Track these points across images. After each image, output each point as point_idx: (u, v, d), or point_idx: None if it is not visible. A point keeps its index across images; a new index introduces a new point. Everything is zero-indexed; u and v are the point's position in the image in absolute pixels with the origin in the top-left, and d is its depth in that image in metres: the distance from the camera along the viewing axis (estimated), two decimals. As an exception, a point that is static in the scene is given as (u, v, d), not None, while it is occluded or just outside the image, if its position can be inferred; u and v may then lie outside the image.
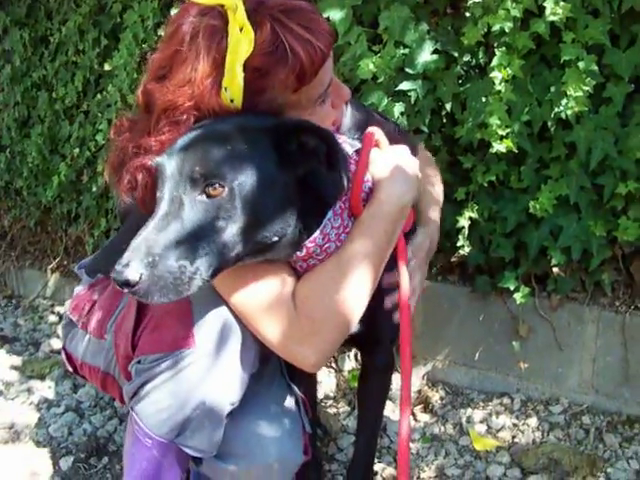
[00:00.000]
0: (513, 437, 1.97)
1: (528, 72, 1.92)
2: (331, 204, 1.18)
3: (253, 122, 1.13)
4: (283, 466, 1.31)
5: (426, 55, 2.00)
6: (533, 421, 2.01)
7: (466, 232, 2.08)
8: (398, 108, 2.04)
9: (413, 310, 1.33)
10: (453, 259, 2.18)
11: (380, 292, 1.24)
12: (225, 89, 1.12)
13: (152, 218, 1.04)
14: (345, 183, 1.15)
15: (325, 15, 2.00)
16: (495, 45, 1.92)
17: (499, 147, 1.90)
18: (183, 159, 1.06)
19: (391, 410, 2.07)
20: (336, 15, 2.04)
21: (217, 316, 1.20)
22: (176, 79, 1.13)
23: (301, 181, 1.13)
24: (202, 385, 1.19)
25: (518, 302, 2.00)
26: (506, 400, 2.12)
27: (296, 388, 1.42)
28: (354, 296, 1.18)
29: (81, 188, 3.39)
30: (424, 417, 2.12)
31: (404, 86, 2.03)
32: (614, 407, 1.98)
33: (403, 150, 1.31)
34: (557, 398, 2.06)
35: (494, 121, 1.88)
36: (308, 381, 1.73)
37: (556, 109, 1.87)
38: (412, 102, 2.04)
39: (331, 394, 2.28)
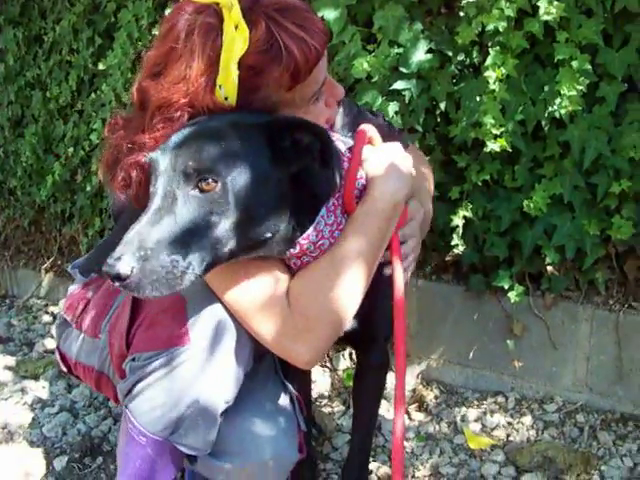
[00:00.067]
0: (507, 435, 1.98)
1: (522, 71, 1.93)
2: (324, 201, 1.18)
3: (247, 119, 1.13)
4: (278, 464, 1.31)
5: (420, 54, 2.00)
6: (527, 419, 2.01)
7: (460, 231, 2.08)
8: (392, 107, 2.04)
9: (407, 280, 1.33)
10: (447, 258, 2.18)
11: (374, 289, 1.24)
12: (219, 87, 1.12)
13: (145, 212, 1.04)
14: (338, 180, 1.16)
15: (320, 14, 2.00)
16: (489, 44, 1.93)
17: (493, 146, 1.91)
18: (177, 155, 1.06)
19: (386, 409, 2.07)
20: (330, 14, 2.04)
21: (212, 314, 1.20)
22: (171, 76, 1.13)
23: (294, 178, 1.13)
24: (196, 383, 1.19)
25: (512, 301, 2.00)
26: (500, 399, 2.12)
27: (290, 386, 1.42)
28: (348, 293, 1.19)
29: (75, 188, 3.38)
30: (419, 416, 2.12)
31: (398, 85, 2.03)
32: (608, 405, 1.99)
33: (396, 147, 1.31)
34: (551, 396, 2.07)
35: (488, 120, 1.89)
36: (302, 379, 1.74)
37: (550, 108, 1.87)
38: (406, 101, 2.04)
39: (326, 393, 2.29)
